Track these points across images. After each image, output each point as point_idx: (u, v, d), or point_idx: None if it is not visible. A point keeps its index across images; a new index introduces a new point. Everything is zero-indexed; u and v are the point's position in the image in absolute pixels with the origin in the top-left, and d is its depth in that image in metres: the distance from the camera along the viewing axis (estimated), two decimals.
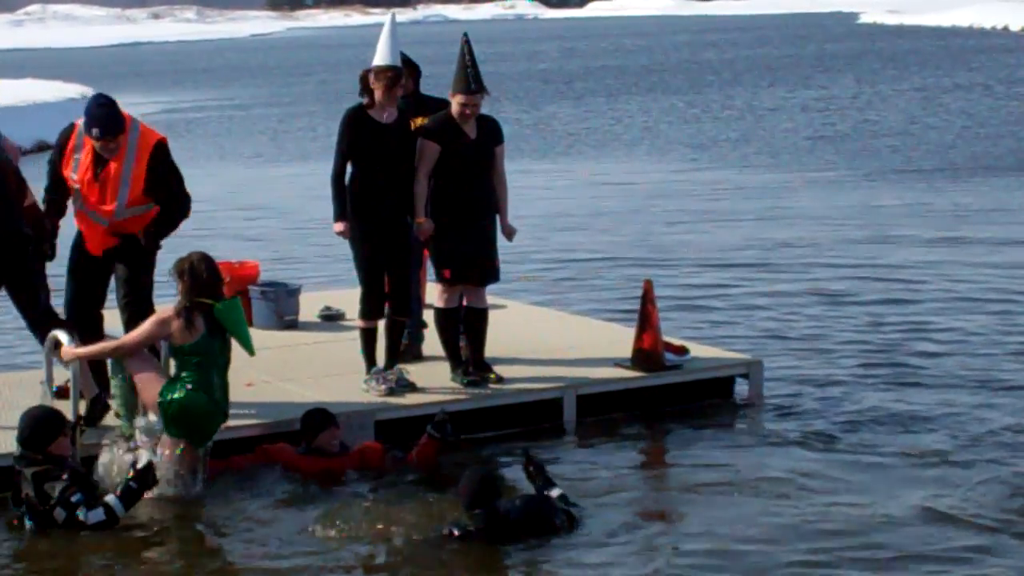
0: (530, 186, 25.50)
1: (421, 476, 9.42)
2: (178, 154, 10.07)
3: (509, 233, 10.70)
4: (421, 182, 10.38)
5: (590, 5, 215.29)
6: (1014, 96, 42.25)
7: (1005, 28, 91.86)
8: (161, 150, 9.69)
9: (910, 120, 36.31)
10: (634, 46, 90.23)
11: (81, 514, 8.52)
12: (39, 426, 8.74)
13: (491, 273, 10.66)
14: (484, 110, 10.55)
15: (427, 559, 8.03)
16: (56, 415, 8.89)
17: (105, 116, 9.55)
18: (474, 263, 10.51)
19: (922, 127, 34.40)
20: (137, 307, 9.73)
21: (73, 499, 8.54)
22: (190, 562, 8.23)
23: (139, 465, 8.76)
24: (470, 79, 10.35)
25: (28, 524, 8.61)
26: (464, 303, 10.68)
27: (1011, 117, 36.02)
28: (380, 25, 10.59)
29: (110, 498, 8.64)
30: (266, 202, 25.15)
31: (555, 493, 8.56)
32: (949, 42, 78.28)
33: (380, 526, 8.36)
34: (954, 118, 36.25)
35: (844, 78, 52.80)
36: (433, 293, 10.83)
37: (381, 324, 10.52)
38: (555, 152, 32.32)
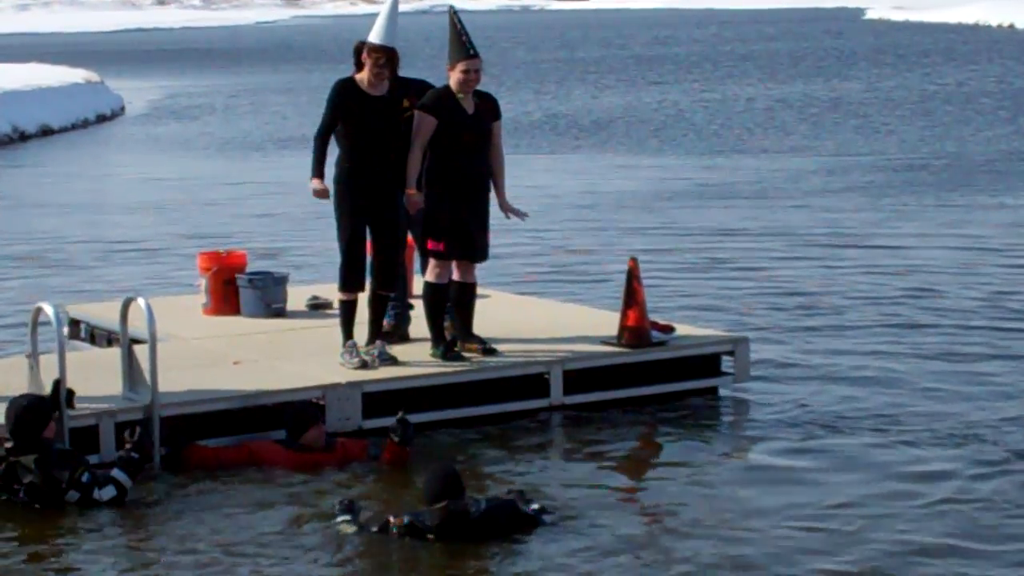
0: (543, 174, 25.58)
1: (396, 472, 9.35)
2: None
3: (508, 210, 10.65)
4: (415, 154, 10.33)
5: None
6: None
7: (1011, 26, 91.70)
8: None
9: (935, 111, 36.33)
10: (651, 38, 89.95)
11: (95, 493, 8.62)
12: (30, 414, 8.76)
13: (481, 250, 10.63)
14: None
15: (390, 555, 7.97)
16: (43, 400, 8.94)
17: None
18: (467, 237, 10.47)
19: (944, 121, 34.28)
20: None
21: (84, 479, 8.63)
22: (169, 559, 8.12)
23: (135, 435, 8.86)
24: (468, 45, 10.33)
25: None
26: (454, 277, 10.61)
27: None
28: None
29: (115, 472, 8.72)
30: (268, 188, 25.18)
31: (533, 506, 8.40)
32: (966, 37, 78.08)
33: (354, 521, 8.25)
34: (985, 113, 36.06)
35: (860, 72, 52.75)
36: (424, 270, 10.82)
37: (362, 298, 10.50)
38: (572, 141, 32.32)
